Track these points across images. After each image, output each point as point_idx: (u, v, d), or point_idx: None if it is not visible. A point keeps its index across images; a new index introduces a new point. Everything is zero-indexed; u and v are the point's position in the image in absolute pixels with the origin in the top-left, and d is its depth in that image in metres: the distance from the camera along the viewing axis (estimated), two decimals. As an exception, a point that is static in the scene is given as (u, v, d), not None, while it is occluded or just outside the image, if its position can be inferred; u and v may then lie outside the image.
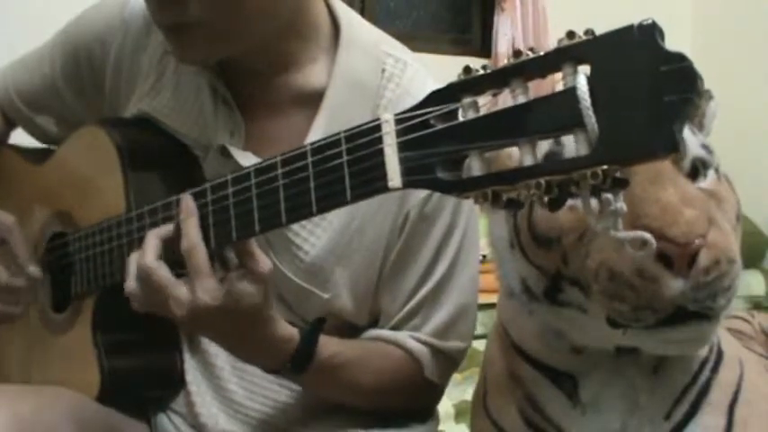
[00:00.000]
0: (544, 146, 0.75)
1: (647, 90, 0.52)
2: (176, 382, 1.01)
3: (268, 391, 0.98)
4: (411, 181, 0.66)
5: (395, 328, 0.99)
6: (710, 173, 0.80)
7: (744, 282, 0.89)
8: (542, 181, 0.57)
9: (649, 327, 0.74)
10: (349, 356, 0.94)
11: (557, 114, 0.56)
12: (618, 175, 0.55)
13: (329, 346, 0.91)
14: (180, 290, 0.80)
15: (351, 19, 0.99)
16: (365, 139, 0.69)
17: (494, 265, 0.92)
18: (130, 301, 0.85)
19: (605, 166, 0.54)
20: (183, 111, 1.00)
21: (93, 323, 0.98)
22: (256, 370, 0.98)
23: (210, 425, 0.98)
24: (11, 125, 1.23)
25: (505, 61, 0.60)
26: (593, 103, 0.54)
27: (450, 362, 1.02)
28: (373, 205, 0.94)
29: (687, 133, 0.80)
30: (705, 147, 0.81)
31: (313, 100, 0.96)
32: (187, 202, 0.82)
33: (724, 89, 1.10)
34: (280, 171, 0.76)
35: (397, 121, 0.66)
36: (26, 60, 1.19)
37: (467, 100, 0.62)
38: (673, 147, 0.52)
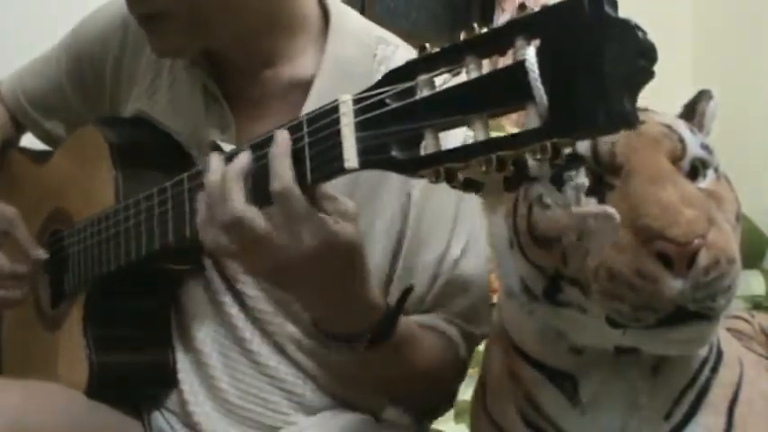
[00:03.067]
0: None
1: (597, 60, 0.50)
2: (168, 380, 1.01)
3: (260, 391, 0.99)
4: (367, 161, 0.65)
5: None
6: (710, 173, 0.80)
7: (744, 282, 0.89)
8: (493, 157, 0.56)
9: (649, 327, 0.73)
10: (413, 334, 0.91)
11: (507, 88, 0.55)
12: (575, 151, 0.53)
13: (401, 322, 0.88)
14: (284, 248, 0.73)
15: (340, 8, 1.00)
16: (325, 120, 0.68)
17: (493, 264, 0.92)
18: (207, 244, 0.76)
19: (555, 140, 0.52)
20: (177, 109, 1.01)
21: (84, 318, 0.99)
22: (248, 369, 0.98)
23: (203, 423, 0.98)
24: (21, 130, 1.24)
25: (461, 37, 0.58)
26: (543, 76, 0.52)
27: (473, 345, 1.01)
28: (375, 195, 0.93)
29: (687, 133, 0.81)
30: (705, 146, 0.81)
31: (301, 90, 0.96)
32: (283, 136, 0.73)
33: (724, 89, 1.10)
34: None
35: (355, 101, 0.66)
36: (34, 64, 1.20)
37: (422, 77, 0.61)
38: (622, 119, 0.49)
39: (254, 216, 0.73)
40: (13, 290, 1.06)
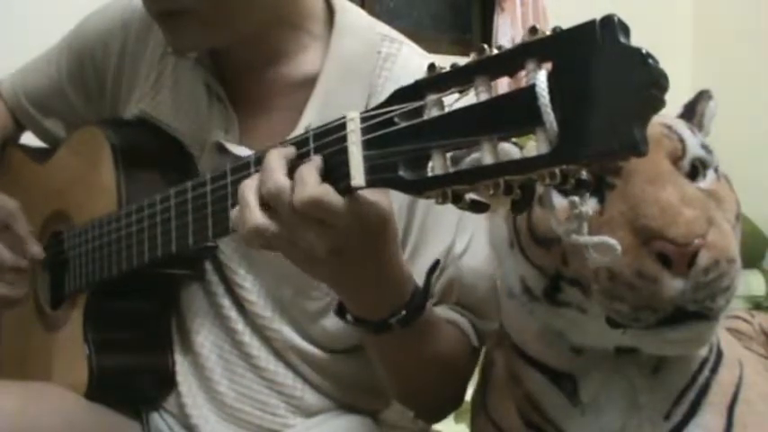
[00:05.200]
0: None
1: (608, 88, 0.50)
2: (167, 382, 1.01)
3: (258, 394, 0.98)
4: (374, 179, 0.65)
5: None
6: (710, 173, 0.80)
7: (744, 282, 0.89)
8: (501, 181, 0.56)
9: (649, 327, 0.74)
10: (434, 315, 0.88)
11: (517, 112, 0.55)
12: (583, 176, 0.53)
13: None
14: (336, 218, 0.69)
15: (344, 5, 0.99)
16: (331, 137, 0.68)
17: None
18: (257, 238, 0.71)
19: (564, 166, 0.53)
20: (180, 109, 1.00)
21: (84, 320, 0.99)
22: (247, 372, 0.98)
23: (201, 426, 0.98)
24: (21, 128, 1.24)
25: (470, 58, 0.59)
26: (553, 101, 0.52)
27: (483, 339, 0.99)
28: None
29: (687, 133, 0.81)
30: (704, 147, 0.81)
31: (306, 87, 0.95)
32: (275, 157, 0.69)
33: (724, 89, 1.10)
34: (252, 170, 0.75)
35: (363, 119, 0.65)
36: (35, 64, 1.20)
37: (431, 98, 0.61)
38: (631, 146, 0.50)
39: (330, 192, 0.68)
40: (14, 287, 1.06)
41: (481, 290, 0.97)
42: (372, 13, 1.04)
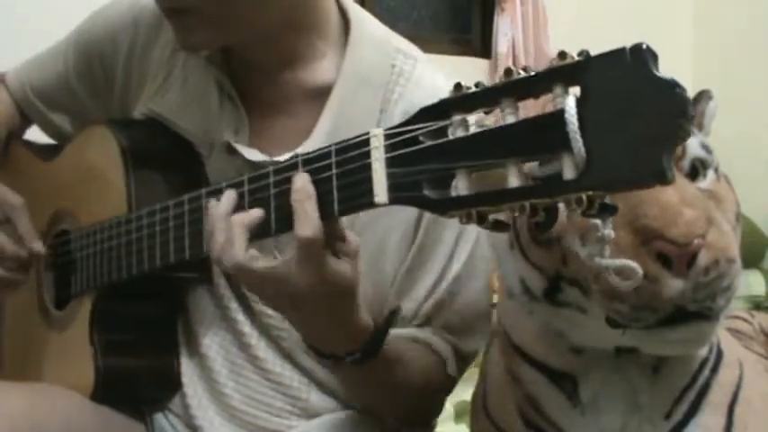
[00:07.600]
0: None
1: (636, 116, 0.51)
2: (172, 384, 1.01)
3: (264, 396, 0.98)
4: (397, 197, 0.65)
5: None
6: (710, 173, 0.80)
7: (744, 282, 0.89)
8: (527, 204, 0.56)
9: (649, 327, 0.73)
10: (401, 351, 0.91)
11: (544, 136, 0.55)
12: (607, 200, 0.54)
13: (390, 339, 0.88)
14: (288, 281, 0.76)
15: (359, 14, 0.99)
16: (354, 152, 0.68)
17: (494, 265, 0.92)
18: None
19: (590, 192, 0.53)
20: (189, 109, 1.00)
21: (91, 321, 0.99)
22: (253, 374, 0.98)
23: (206, 427, 0.98)
24: (27, 121, 1.23)
25: (497, 79, 0.59)
26: (582, 127, 0.53)
27: (465, 361, 1.01)
28: (390, 209, 0.92)
29: (687, 133, 0.80)
30: (704, 147, 0.81)
31: (320, 95, 0.95)
32: (304, 181, 0.73)
33: (724, 89, 1.10)
34: (271, 180, 0.75)
35: (387, 137, 0.66)
36: (42, 57, 1.20)
37: (456, 117, 0.61)
38: (659, 176, 0.50)
39: (253, 262, 0.76)
40: (15, 272, 1.06)
41: (472, 310, 0.98)
42: (372, 12, 1.04)
